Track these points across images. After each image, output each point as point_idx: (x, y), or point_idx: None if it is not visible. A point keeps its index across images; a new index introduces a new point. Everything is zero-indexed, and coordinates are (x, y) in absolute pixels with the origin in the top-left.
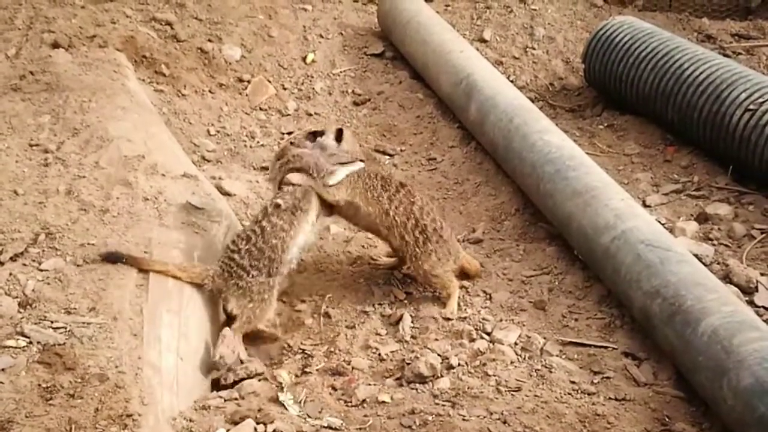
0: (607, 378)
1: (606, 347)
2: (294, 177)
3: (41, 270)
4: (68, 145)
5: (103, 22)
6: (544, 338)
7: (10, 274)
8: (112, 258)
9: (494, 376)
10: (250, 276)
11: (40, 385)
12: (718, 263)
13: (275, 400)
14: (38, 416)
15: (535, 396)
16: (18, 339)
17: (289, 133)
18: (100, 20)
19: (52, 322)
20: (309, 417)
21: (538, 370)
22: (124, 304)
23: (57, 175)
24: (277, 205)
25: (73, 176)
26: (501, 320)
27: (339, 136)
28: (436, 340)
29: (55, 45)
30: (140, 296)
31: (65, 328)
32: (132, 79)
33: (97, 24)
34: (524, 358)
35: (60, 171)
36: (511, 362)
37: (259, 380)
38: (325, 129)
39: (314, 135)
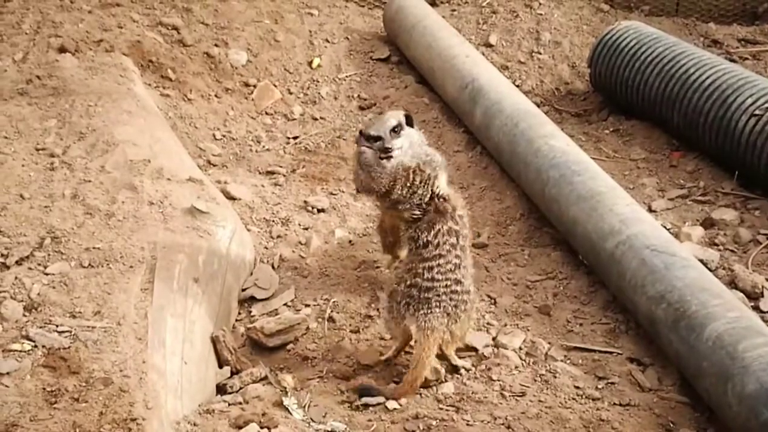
0: (612, 383)
1: (611, 352)
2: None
3: (47, 274)
4: (74, 149)
5: (110, 26)
6: (549, 343)
7: (16, 277)
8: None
9: (498, 381)
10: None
11: (44, 388)
12: (724, 268)
13: (279, 405)
14: (43, 420)
15: (540, 401)
16: (23, 343)
17: (295, 138)
18: (106, 25)
19: (57, 325)
20: (313, 421)
21: (543, 375)
22: (129, 308)
23: (63, 179)
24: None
25: (78, 180)
26: (505, 325)
27: (410, 120)
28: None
29: (62, 49)
30: (145, 300)
31: (70, 332)
32: (138, 84)
33: (103, 29)
34: (529, 363)
35: (66, 175)
36: (516, 367)
37: (264, 385)
38: (387, 115)
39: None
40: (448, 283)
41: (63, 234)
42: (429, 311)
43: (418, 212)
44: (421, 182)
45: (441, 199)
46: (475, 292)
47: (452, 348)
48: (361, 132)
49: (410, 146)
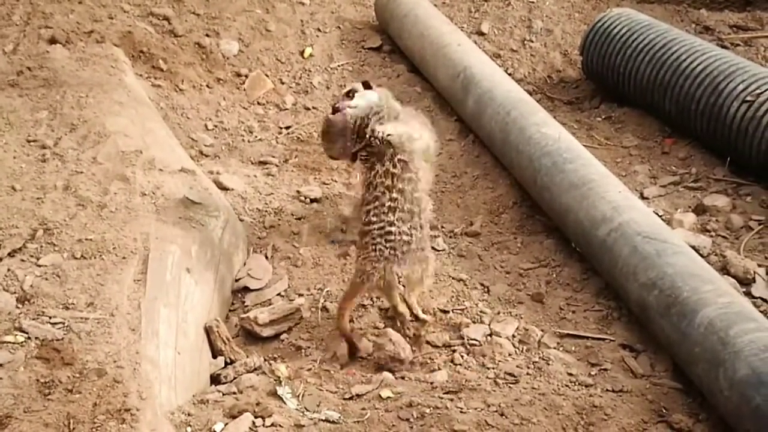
0: (605, 370)
1: (603, 339)
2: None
3: (39, 265)
4: (66, 140)
5: (101, 17)
6: (542, 330)
7: (8, 269)
8: None
9: (492, 368)
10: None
11: (38, 380)
12: (716, 255)
13: (273, 394)
14: (36, 411)
15: (533, 388)
16: (16, 334)
17: (287, 128)
18: (97, 15)
19: (50, 317)
20: (307, 410)
21: (536, 362)
22: (122, 299)
23: (55, 171)
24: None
25: (70, 172)
26: (499, 313)
27: (367, 85)
28: (434, 332)
29: (53, 41)
30: (138, 291)
31: (63, 323)
32: (129, 75)
33: (94, 19)
34: (522, 351)
35: (58, 166)
36: (509, 354)
37: (258, 374)
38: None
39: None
40: (382, 224)
41: (55, 225)
42: (365, 255)
43: (364, 154)
44: (359, 126)
45: (381, 142)
46: (428, 240)
47: (414, 296)
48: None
49: (367, 103)
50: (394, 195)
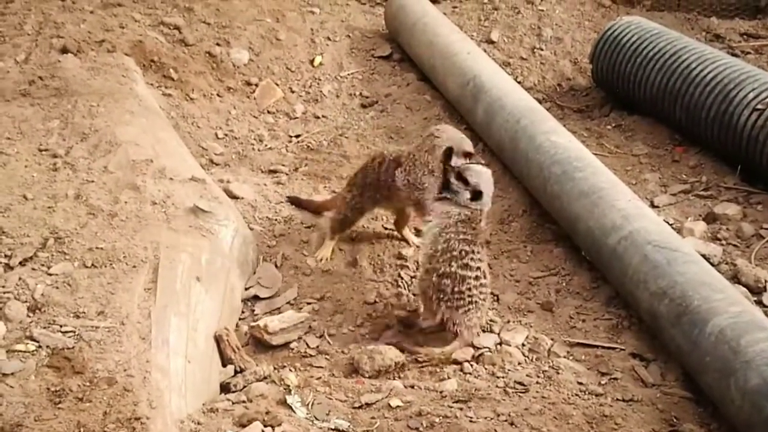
0: (615, 379)
1: (613, 348)
2: None
3: (50, 274)
4: (77, 149)
5: (112, 27)
6: (552, 339)
7: (20, 278)
8: None
9: (502, 377)
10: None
11: (48, 389)
12: (727, 263)
13: (283, 403)
14: (47, 420)
15: (543, 397)
16: (27, 343)
17: (297, 136)
18: (108, 25)
19: (61, 326)
20: (316, 419)
21: (546, 371)
22: (133, 308)
23: (66, 180)
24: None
25: (81, 181)
26: (508, 321)
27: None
28: (444, 341)
29: (64, 50)
30: (148, 300)
31: (74, 332)
32: (140, 84)
33: (105, 29)
34: (532, 360)
35: (69, 175)
36: (519, 363)
37: (267, 383)
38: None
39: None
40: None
41: (66, 234)
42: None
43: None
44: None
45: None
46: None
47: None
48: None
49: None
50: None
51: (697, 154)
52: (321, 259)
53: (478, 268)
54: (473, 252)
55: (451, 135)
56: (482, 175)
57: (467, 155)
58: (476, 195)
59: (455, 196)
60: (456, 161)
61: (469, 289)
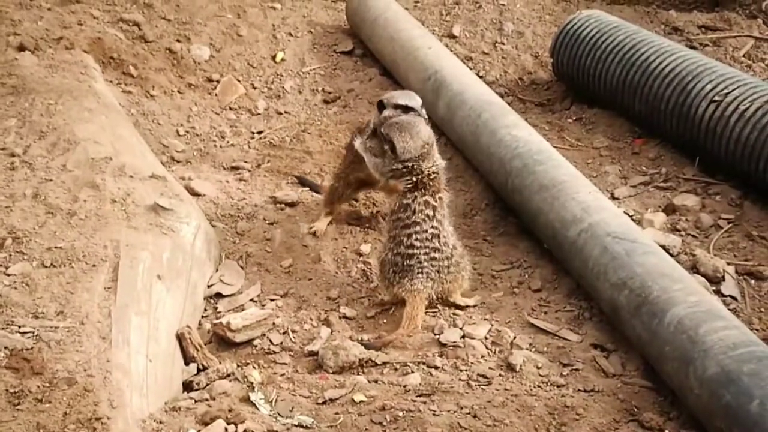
0: (576, 370)
1: (575, 339)
2: None
3: (8, 275)
4: (35, 148)
5: (70, 23)
6: (514, 332)
7: None
8: None
9: (465, 370)
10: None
11: (7, 390)
12: (686, 254)
13: (246, 400)
14: (6, 422)
15: (505, 389)
16: None
17: (259, 133)
18: (66, 22)
19: (19, 326)
20: (280, 416)
21: (509, 363)
22: (93, 307)
23: (23, 179)
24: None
25: (39, 179)
26: (471, 315)
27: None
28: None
29: (21, 48)
30: (108, 299)
31: (33, 332)
32: (99, 81)
33: (63, 26)
34: (494, 352)
35: (27, 174)
36: (482, 356)
37: (230, 381)
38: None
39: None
40: (427, 250)
41: (24, 234)
42: (413, 277)
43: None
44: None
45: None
46: (461, 254)
47: (456, 296)
48: (383, 102)
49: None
50: (434, 224)
51: (657, 146)
52: (313, 230)
53: (427, 237)
54: (416, 217)
55: (397, 92)
56: (398, 124)
57: (401, 108)
58: (392, 147)
59: (380, 159)
60: (388, 113)
61: (417, 255)
